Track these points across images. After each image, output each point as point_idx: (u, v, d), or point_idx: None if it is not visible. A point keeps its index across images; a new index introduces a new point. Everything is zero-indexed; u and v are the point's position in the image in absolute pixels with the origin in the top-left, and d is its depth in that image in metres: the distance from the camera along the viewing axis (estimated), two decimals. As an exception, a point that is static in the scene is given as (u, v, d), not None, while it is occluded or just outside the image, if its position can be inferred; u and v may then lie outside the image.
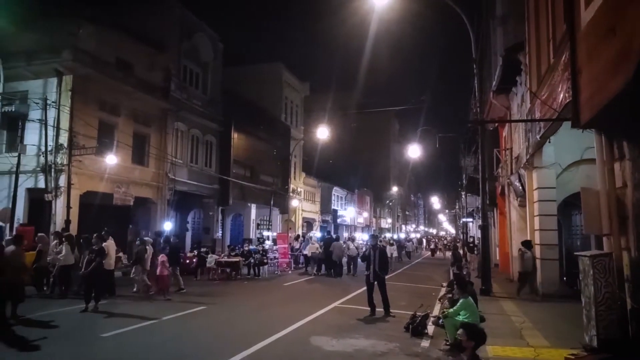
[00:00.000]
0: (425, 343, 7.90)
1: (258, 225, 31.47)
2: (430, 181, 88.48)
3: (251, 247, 21.18)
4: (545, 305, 11.29)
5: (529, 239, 13.44)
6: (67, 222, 16.93)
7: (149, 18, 23.69)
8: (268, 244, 23.74)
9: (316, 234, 36.15)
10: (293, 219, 36.98)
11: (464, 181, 34.34)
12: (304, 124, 39.77)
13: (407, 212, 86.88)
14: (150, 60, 22.90)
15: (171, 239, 15.06)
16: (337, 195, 48.86)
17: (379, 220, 66.17)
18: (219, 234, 28.12)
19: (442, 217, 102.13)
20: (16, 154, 17.01)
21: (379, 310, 10.39)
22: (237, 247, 21.03)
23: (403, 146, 57.68)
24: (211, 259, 17.79)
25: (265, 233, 28.89)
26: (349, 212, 50.99)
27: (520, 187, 14.58)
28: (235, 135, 27.71)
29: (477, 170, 19.37)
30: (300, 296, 14.02)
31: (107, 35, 20.33)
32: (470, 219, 38.46)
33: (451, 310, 7.43)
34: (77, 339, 7.96)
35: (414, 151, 23.28)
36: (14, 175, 16.95)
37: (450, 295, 8.84)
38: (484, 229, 14.69)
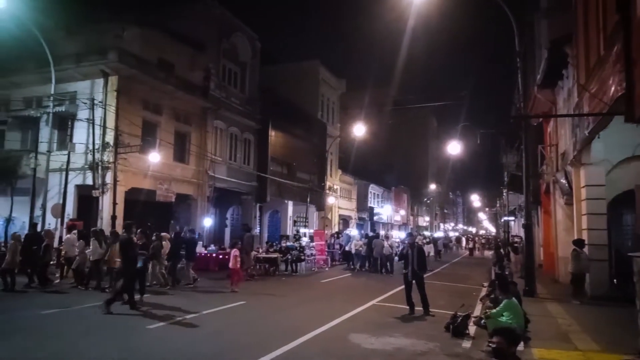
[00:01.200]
0: (466, 344, 7.73)
1: (295, 222, 31.74)
2: (470, 178, 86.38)
3: (288, 243, 21.36)
4: (593, 308, 10.82)
5: (580, 238, 12.81)
6: (113, 217, 17.60)
7: (190, 19, 24.28)
8: (305, 240, 23.88)
9: (352, 231, 36.08)
10: (329, 216, 37.05)
11: (505, 179, 33.38)
12: (340, 121, 39.72)
13: (445, 210, 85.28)
14: (190, 60, 23.49)
15: (187, 234, 15.16)
16: (374, 193, 48.54)
17: (417, 218, 65.31)
18: (257, 230, 28.53)
19: (482, 216, 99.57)
20: (66, 152, 17.84)
21: (418, 309, 10.25)
22: (274, 244, 21.26)
23: (442, 143, 56.63)
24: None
25: (302, 230, 29.07)
26: (386, 210, 50.57)
27: (567, 185, 14.00)
28: (272, 133, 28.01)
29: (519, 168, 18.75)
30: (337, 293, 14.03)
31: (150, 37, 21.01)
32: (512, 218, 37.34)
33: (494, 310, 7.23)
34: (124, 330, 8.27)
35: (454, 148, 22.71)
36: (64, 173, 17.79)
37: (492, 296, 8.61)
38: (528, 228, 14.18)
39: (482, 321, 7.76)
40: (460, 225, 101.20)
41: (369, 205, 46.28)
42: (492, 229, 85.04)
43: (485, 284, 13.89)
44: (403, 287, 10.78)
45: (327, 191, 35.10)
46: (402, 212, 57.09)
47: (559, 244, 16.33)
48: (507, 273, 13.69)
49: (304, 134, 31.89)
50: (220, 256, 19.63)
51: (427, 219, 70.44)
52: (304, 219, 31.24)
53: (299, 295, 13.11)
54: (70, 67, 18.99)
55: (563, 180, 14.49)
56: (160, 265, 13.71)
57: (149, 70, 20.12)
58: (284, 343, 7.24)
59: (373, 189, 47.79)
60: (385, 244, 19.78)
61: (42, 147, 18.23)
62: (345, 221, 41.78)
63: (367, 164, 44.72)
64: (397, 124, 54.63)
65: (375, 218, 47.28)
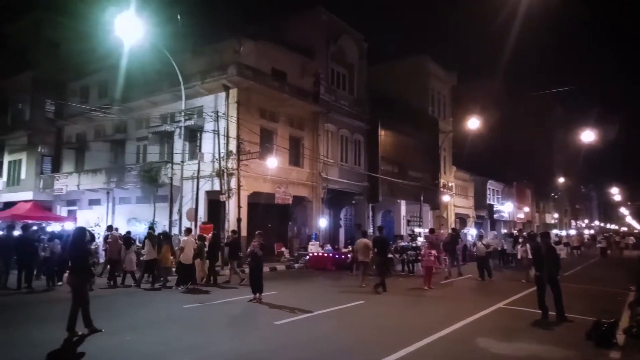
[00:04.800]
0: (615, 354, 6.84)
1: (408, 221, 31.19)
2: (608, 169, 76.90)
3: (403, 243, 21.02)
4: None
5: None
6: (239, 220, 18.95)
7: (299, 27, 25.30)
8: (420, 240, 23.25)
9: (470, 230, 34.34)
10: (445, 215, 35.73)
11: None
12: (452, 115, 38.14)
13: (577, 206, 76.99)
14: (301, 67, 24.43)
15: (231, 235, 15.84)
16: (493, 189, 45.70)
17: (543, 215, 59.95)
18: (370, 230, 28.57)
19: (624, 211, 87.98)
20: (196, 161, 19.70)
21: (551, 313, 9.36)
22: (389, 244, 21.05)
23: (570, 132, 51.13)
24: (365, 255, 18.10)
25: (417, 229, 28.43)
26: (507, 207, 47.21)
27: None
28: (382, 133, 27.86)
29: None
30: (458, 295, 13.45)
31: (263, 49, 22.31)
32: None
33: (649, 318, 6.31)
34: (254, 325, 8.85)
35: (587, 136, 20.28)
36: (195, 180, 19.64)
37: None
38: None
39: (634, 329, 6.82)
40: (595, 222, 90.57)
41: (488, 202, 43.65)
42: (638, 226, 74.57)
43: (633, 288, 12.23)
44: (531, 289, 9.94)
45: (441, 189, 33.88)
46: (526, 209, 52.83)
47: None
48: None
49: (414, 131, 31.19)
50: (337, 256, 20.06)
51: (556, 215, 64.19)
52: (418, 219, 30.53)
53: (418, 296, 12.81)
54: (197, 84, 20.95)
55: None
56: (215, 262, 14.77)
57: (265, 81, 21.37)
58: (407, 344, 7.11)
59: (491, 185, 45.00)
60: (479, 244, 17.66)
61: (177, 157, 20.33)
62: (462, 220, 39.93)
63: (483, 158, 42.23)
64: (516, 113, 50.81)
65: (495, 216, 44.44)
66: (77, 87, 28.57)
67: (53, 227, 20.62)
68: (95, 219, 24.55)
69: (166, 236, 14.53)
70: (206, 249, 14.54)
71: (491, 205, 43.89)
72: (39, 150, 28.37)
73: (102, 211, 25.53)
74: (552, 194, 60.21)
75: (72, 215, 26.37)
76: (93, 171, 24.83)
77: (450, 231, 22.66)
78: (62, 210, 27.90)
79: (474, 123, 27.64)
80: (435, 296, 12.83)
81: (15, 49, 30.70)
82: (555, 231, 48.94)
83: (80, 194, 26.05)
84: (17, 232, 14.34)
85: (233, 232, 16.15)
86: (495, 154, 45.87)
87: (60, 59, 29.09)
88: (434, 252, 14.49)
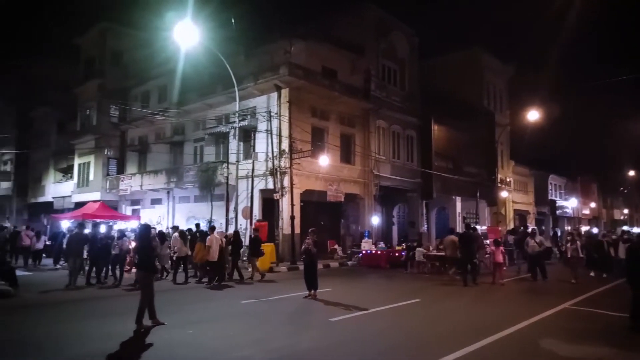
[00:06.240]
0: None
1: (464, 218, 30.30)
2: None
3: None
4: None
5: None
6: (292, 217, 19.23)
7: (349, 24, 25.25)
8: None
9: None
10: (503, 211, 34.44)
11: None
12: (509, 108, 36.63)
13: (649, 201, 71.59)
14: (351, 65, 24.39)
15: (253, 233, 15.94)
16: (554, 184, 43.47)
17: (611, 211, 56.35)
18: (425, 227, 28.10)
19: None
20: (250, 161, 20.20)
21: (623, 315, 8.78)
22: (473, 241, 20.55)
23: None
24: (419, 253, 17.85)
25: (474, 225, 27.57)
26: (571, 203, 44.76)
27: None
28: (435, 128, 27.27)
29: None
30: (520, 294, 12.94)
31: (313, 48, 22.48)
32: None
33: None
34: (312, 321, 8.97)
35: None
36: (250, 179, 20.14)
37: None
38: None
39: None
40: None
41: (550, 198, 41.58)
42: None
43: None
44: (599, 289, 9.37)
45: (499, 184, 32.67)
46: (592, 204, 49.83)
47: None
48: None
49: (469, 125, 30.25)
50: (390, 253, 19.88)
51: (626, 211, 60.11)
52: (474, 215, 29.62)
53: (476, 294, 12.44)
54: (250, 85, 21.45)
55: None
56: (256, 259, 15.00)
57: (315, 80, 21.52)
58: (466, 343, 6.94)
59: (553, 179, 42.83)
60: (531, 242, 15.87)
61: (232, 157, 20.93)
62: (521, 216, 38.30)
63: (544, 152, 40.35)
64: (579, 104, 47.98)
65: (558, 212, 42.28)
66: (138, 93, 30.13)
67: (119, 225, 21.86)
68: (157, 218, 25.81)
69: (202, 234, 14.99)
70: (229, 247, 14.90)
71: (553, 201, 41.78)
72: (105, 153, 30.24)
73: (163, 210, 26.80)
74: (621, 189, 56.37)
75: (136, 214, 27.88)
76: (154, 172, 26.10)
77: (521, 228, 21.85)
78: (127, 210, 29.54)
79: (533, 115, 26.34)
80: (495, 295, 12.43)
81: (84, 59, 32.93)
82: (624, 227, 45.81)
83: (143, 193, 27.46)
84: (87, 231, 15.38)
85: (255, 229, 16.43)
86: (557, 148, 43.65)
87: (123, 66, 30.89)
88: (501, 248, 14.76)
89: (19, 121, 37.57)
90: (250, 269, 15.22)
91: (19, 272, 13.67)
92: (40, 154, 35.48)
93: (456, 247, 14.89)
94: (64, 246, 15.23)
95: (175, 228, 17.24)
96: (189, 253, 14.89)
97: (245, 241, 17.30)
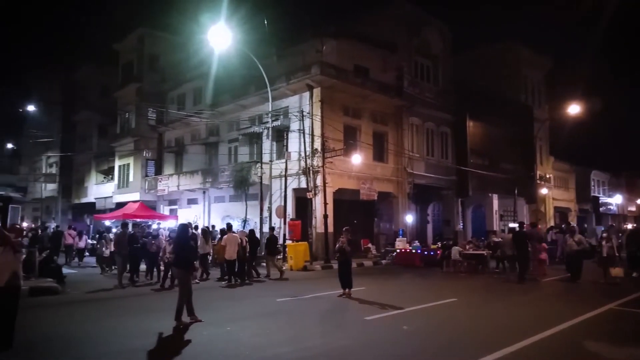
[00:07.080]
0: None
1: (502, 216, 29.61)
2: None
3: (497, 239, 19.97)
4: None
5: None
6: (325, 216, 19.27)
7: (380, 22, 25.08)
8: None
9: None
10: (542, 209, 33.38)
11: None
12: (548, 102, 35.42)
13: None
14: (383, 62, 24.20)
15: (273, 231, 16.11)
16: (597, 180, 41.77)
17: (659, 207, 53.48)
18: (460, 225, 27.57)
19: None
20: (284, 160, 20.37)
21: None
22: (482, 240, 20.20)
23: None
24: (455, 251, 17.53)
25: (511, 225, 26.87)
26: (616, 199, 42.89)
27: None
28: (470, 124, 26.71)
29: None
30: (561, 294, 12.51)
31: (344, 46, 22.44)
32: None
33: None
34: (347, 319, 8.97)
35: None
36: (283, 178, 20.31)
37: None
38: None
39: None
40: None
41: (592, 194, 39.97)
42: None
43: None
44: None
45: (538, 181, 31.66)
46: (639, 200, 47.54)
47: None
48: None
49: (505, 121, 29.45)
50: (425, 252, 19.62)
51: (676, 208, 56.94)
52: (512, 213, 28.83)
53: (515, 294, 12.11)
54: (282, 85, 21.63)
55: None
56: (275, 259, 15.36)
57: (347, 78, 21.48)
58: (506, 344, 6.75)
59: (596, 175, 41.16)
60: (569, 240, 15.12)
61: (265, 157, 21.17)
62: (562, 214, 37.00)
63: (586, 147, 38.95)
64: (625, 94, 45.87)
65: (601, 209, 40.59)
66: (174, 95, 30.93)
67: (155, 225, 22.48)
68: (193, 217, 26.41)
69: (222, 233, 15.12)
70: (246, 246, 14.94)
71: (596, 198, 40.14)
72: (143, 154, 31.20)
73: (199, 209, 27.41)
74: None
75: (173, 213, 28.63)
76: (190, 172, 26.73)
77: (563, 225, 21.07)
78: (165, 210, 30.39)
79: (574, 109, 25.37)
80: (537, 294, 12.06)
81: (122, 64, 34.10)
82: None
83: (179, 193, 28.17)
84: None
85: (271, 229, 16.53)
86: (599, 142, 41.94)
87: (160, 70, 31.79)
88: (544, 245, 15.40)
89: (63, 125, 39.36)
90: (273, 269, 15.39)
91: (64, 270, 14.29)
92: (83, 156, 37.04)
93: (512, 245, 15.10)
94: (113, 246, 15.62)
95: (195, 227, 17.65)
96: (210, 251, 15.21)
97: (280, 239, 17.46)
